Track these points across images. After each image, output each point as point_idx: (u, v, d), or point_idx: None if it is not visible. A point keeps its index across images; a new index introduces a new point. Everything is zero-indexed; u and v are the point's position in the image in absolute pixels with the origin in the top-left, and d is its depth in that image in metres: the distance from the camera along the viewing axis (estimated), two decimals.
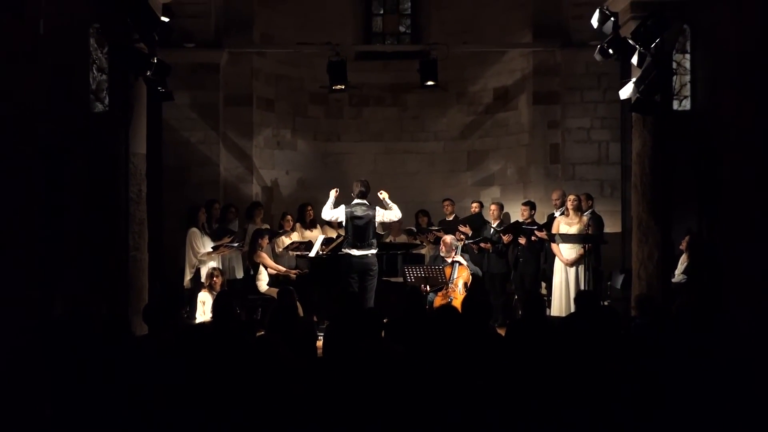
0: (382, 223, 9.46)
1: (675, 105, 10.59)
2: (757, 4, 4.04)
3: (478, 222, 10.47)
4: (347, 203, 9.04)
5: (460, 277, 9.01)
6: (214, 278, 8.55)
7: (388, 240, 10.27)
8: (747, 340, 4.12)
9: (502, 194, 11.95)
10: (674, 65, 9.06)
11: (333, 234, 10.05)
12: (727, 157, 4.44)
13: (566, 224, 9.33)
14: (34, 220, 3.86)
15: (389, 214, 9.11)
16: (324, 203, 9.18)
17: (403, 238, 10.40)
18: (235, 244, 9.45)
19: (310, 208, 10.49)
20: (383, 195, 9.18)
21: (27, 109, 3.82)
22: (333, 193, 9.18)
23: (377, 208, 9.05)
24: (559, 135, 11.56)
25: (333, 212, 9.07)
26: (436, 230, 10.31)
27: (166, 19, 8.43)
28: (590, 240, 9.17)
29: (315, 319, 8.92)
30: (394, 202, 9.17)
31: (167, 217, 10.44)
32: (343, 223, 9.03)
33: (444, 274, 8.93)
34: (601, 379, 4.41)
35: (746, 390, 4.10)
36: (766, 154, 3.97)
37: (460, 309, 5.84)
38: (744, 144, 4.19)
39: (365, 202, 9.03)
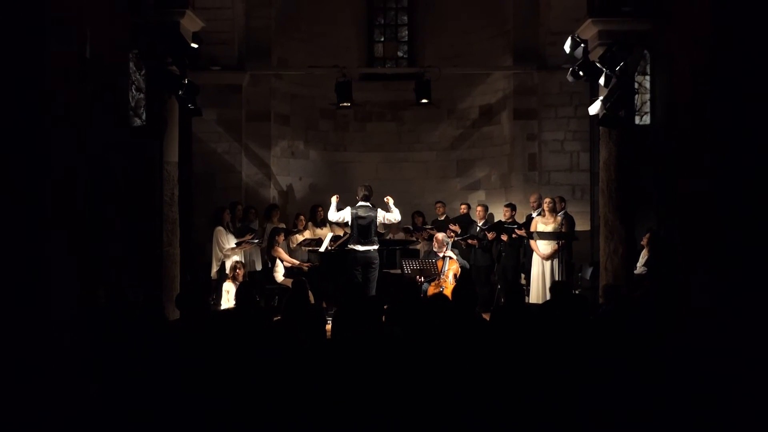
0: (383, 224, 9.47)
1: (637, 120, 10.53)
2: (706, 34, 4.08)
3: (466, 221, 10.48)
4: (352, 205, 9.05)
5: (451, 269, 9.02)
6: (237, 270, 8.54)
7: (388, 237, 10.26)
8: (698, 321, 4.15)
9: (487, 197, 11.95)
10: (636, 85, 9.06)
11: (340, 232, 10.05)
12: (681, 165, 4.46)
13: (543, 223, 9.33)
14: (82, 220, 3.88)
15: (390, 216, 9.11)
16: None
17: (401, 236, 10.39)
18: (256, 241, 9.45)
19: (320, 209, 10.48)
20: (389, 200, 9.20)
21: (75, 122, 3.84)
22: (334, 199, 9.18)
23: (378, 209, 9.06)
24: (536, 146, 11.56)
25: (338, 214, 9.07)
26: (429, 228, 10.31)
27: (196, 46, 8.45)
28: (563, 237, 9.18)
29: (324, 305, 8.92)
30: (394, 205, 9.18)
31: (196, 217, 10.45)
32: (349, 223, 9.05)
33: (436, 266, 8.95)
34: (571, 357, 4.42)
35: (697, 364, 4.12)
36: (714, 162, 4.00)
37: (450, 297, 5.85)
38: (695, 153, 4.22)
39: (368, 204, 9.03)
